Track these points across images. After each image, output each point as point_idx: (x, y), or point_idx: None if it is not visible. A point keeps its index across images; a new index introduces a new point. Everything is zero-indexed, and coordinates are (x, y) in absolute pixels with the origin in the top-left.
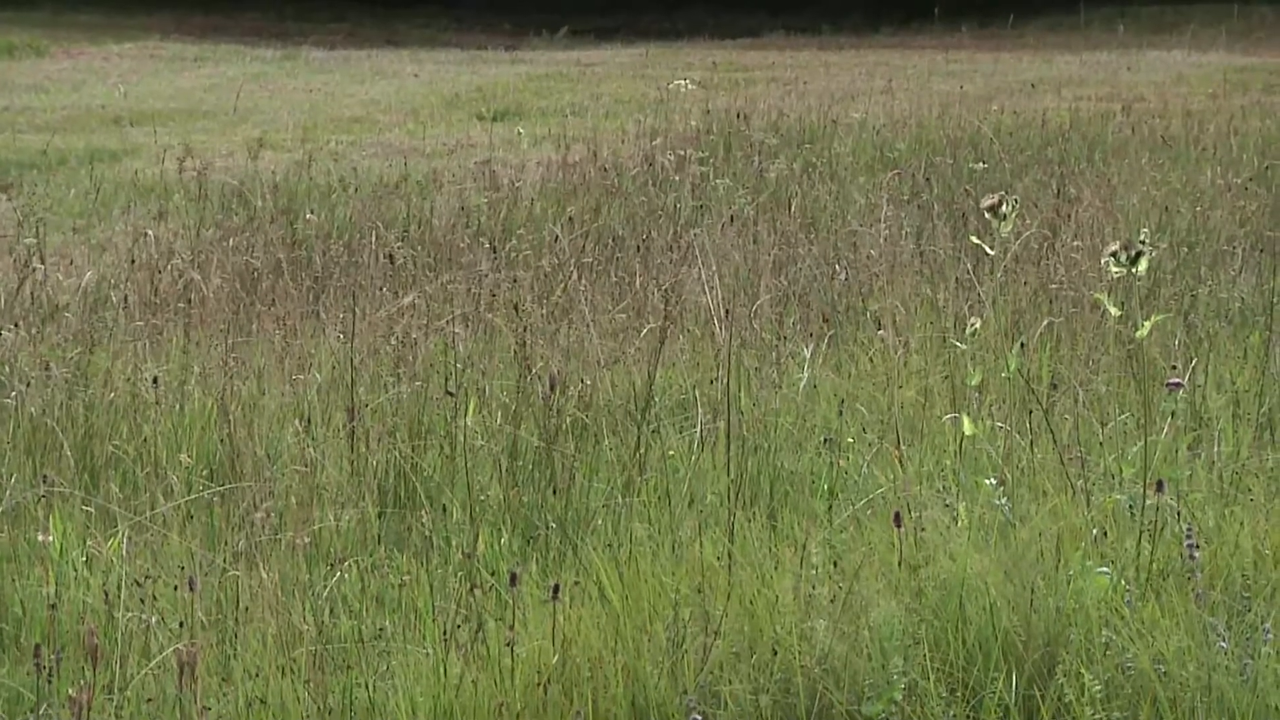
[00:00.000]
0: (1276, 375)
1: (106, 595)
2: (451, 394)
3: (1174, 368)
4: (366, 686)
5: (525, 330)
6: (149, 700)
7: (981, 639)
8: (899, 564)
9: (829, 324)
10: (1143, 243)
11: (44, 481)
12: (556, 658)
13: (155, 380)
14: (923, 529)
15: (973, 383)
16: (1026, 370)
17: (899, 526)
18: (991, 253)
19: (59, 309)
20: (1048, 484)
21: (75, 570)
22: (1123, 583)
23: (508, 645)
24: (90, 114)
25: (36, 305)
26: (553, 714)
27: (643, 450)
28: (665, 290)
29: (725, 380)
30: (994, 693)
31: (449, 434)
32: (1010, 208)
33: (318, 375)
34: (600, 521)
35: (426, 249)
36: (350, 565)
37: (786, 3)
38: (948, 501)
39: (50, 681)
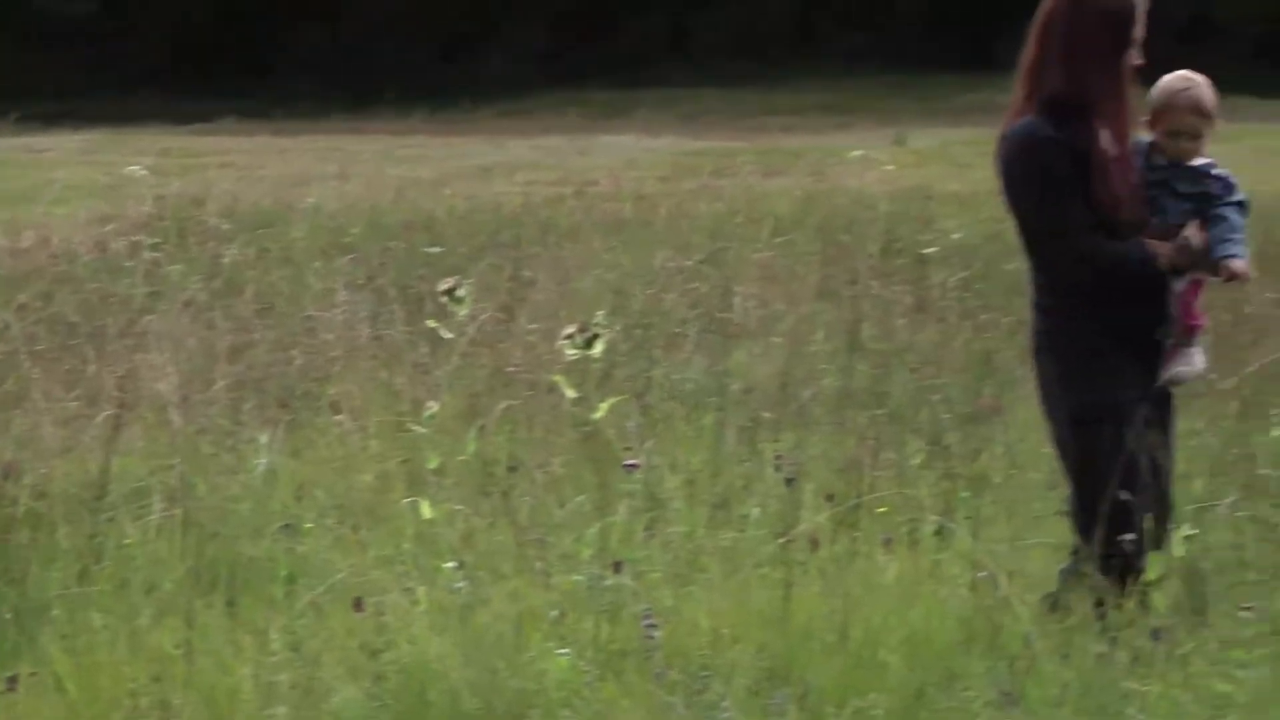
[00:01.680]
0: (729, 456)
1: None
2: None
3: (630, 449)
4: None
5: None
6: None
7: None
8: (360, 649)
9: (287, 409)
10: (598, 325)
11: None
12: None
13: None
14: (383, 613)
15: (431, 466)
16: (485, 453)
17: (359, 611)
18: (448, 336)
19: None
20: (507, 566)
21: None
22: (582, 663)
23: None
24: None
25: None
26: None
27: (99, 538)
28: (120, 377)
29: (181, 467)
30: None
31: None
32: (466, 291)
33: None
34: (56, 611)
35: None
36: None
37: (238, 88)
38: (407, 585)
39: None
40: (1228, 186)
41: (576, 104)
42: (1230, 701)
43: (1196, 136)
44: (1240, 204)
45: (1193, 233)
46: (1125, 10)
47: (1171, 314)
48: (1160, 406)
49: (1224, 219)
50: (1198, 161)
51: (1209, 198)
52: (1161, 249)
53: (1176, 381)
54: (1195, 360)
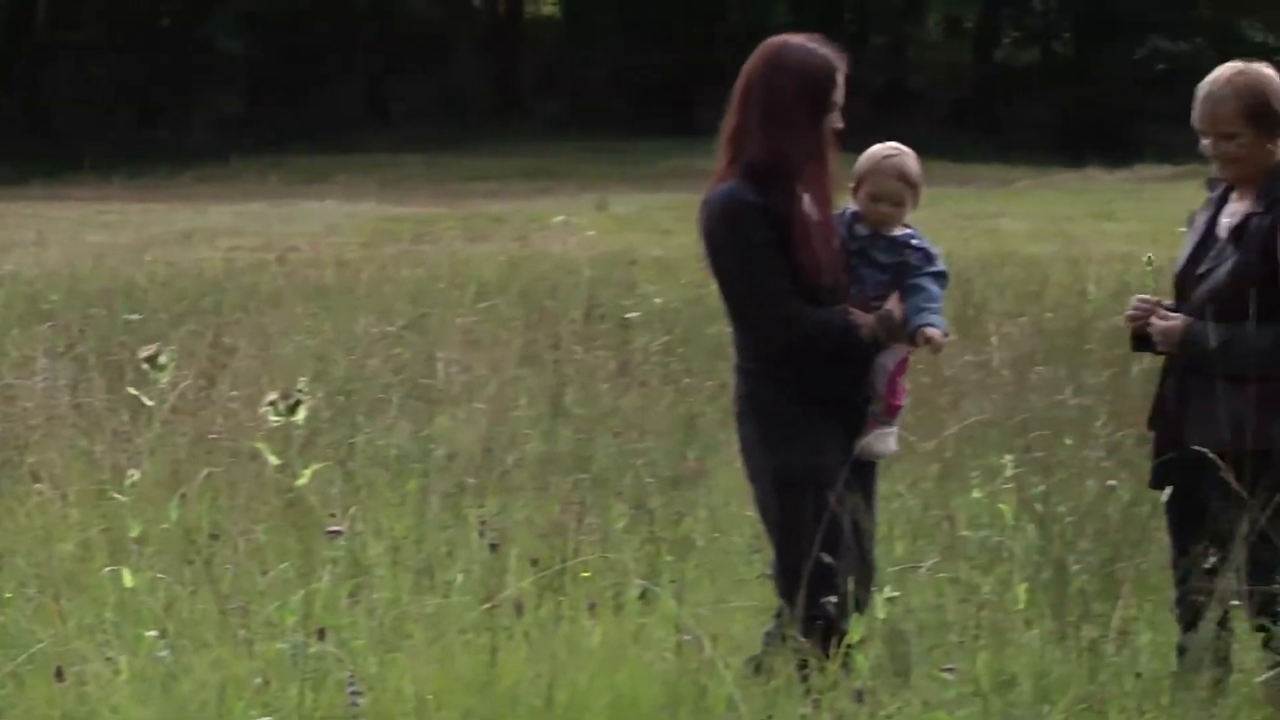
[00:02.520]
0: (433, 521)
1: None
2: None
3: (333, 515)
4: None
5: None
6: None
7: None
8: (61, 719)
9: None
10: (301, 391)
11: None
12: None
13: None
14: (85, 683)
15: (133, 534)
16: (187, 520)
17: (60, 681)
18: (150, 403)
19: None
20: (210, 634)
21: None
22: None
23: None
24: None
25: None
26: None
27: None
28: None
29: None
30: None
31: None
32: (167, 358)
33: None
34: None
35: None
36: None
37: None
38: (109, 654)
39: None
40: (927, 257)
41: (277, 169)
42: None
43: (899, 203)
44: (939, 274)
45: (893, 304)
46: (822, 75)
47: (875, 386)
48: (862, 469)
49: (922, 289)
50: (898, 231)
51: (907, 267)
52: (863, 319)
53: (867, 456)
54: (889, 441)
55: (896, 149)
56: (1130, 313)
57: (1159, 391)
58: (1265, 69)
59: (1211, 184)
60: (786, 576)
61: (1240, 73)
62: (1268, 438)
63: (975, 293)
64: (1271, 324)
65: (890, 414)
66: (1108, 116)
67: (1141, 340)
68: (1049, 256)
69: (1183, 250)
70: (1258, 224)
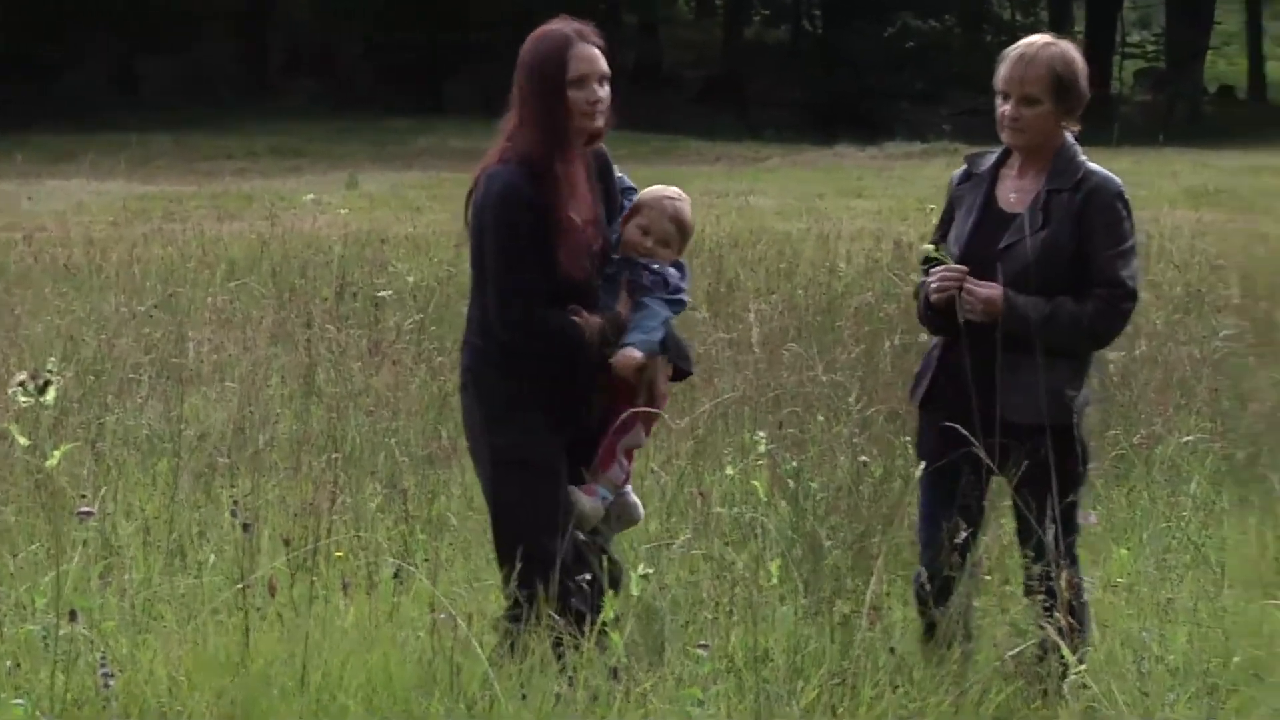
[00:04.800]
0: (185, 502)
1: None
2: None
3: (84, 496)
4: None
5: None
6: None
7: None
8: None
9: None
10: (50, 371)
11: None
12: None
13: None
14: None
15: None
16: None
17: None
18: None
19: None
20: None
21: None
22: (38, 713)
23: None
24: None
25: None
26: None
27: None
28: None
29: None
30: None
31: None
32: None
33: None
34: None
35: None
36: None
37: None
38: None
39: None
40: (667, 284)
41: (23, 148)
42: None
43: (665, 244)
44: (673, 301)
45: (624, 306)
46: (552, 57)
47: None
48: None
49: (645, 307)
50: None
51: (641, 288)
52: (591, 322)
53: (582, 522)
54: (596, 503)
55: (679, 195)
56: (937, 284)
57: (938, 366)
58: (1073, 47)
59: (973, 160)
60: (500, 554)
61: (1053, 44)
62: (1071, 411)
63: (728, 270)
64: (1085, 300)
65: (597, 479)
66: (858, 95)
67: (935, 313)
68: (800, 234)
69: (959, 227)
70: (1067, 202)
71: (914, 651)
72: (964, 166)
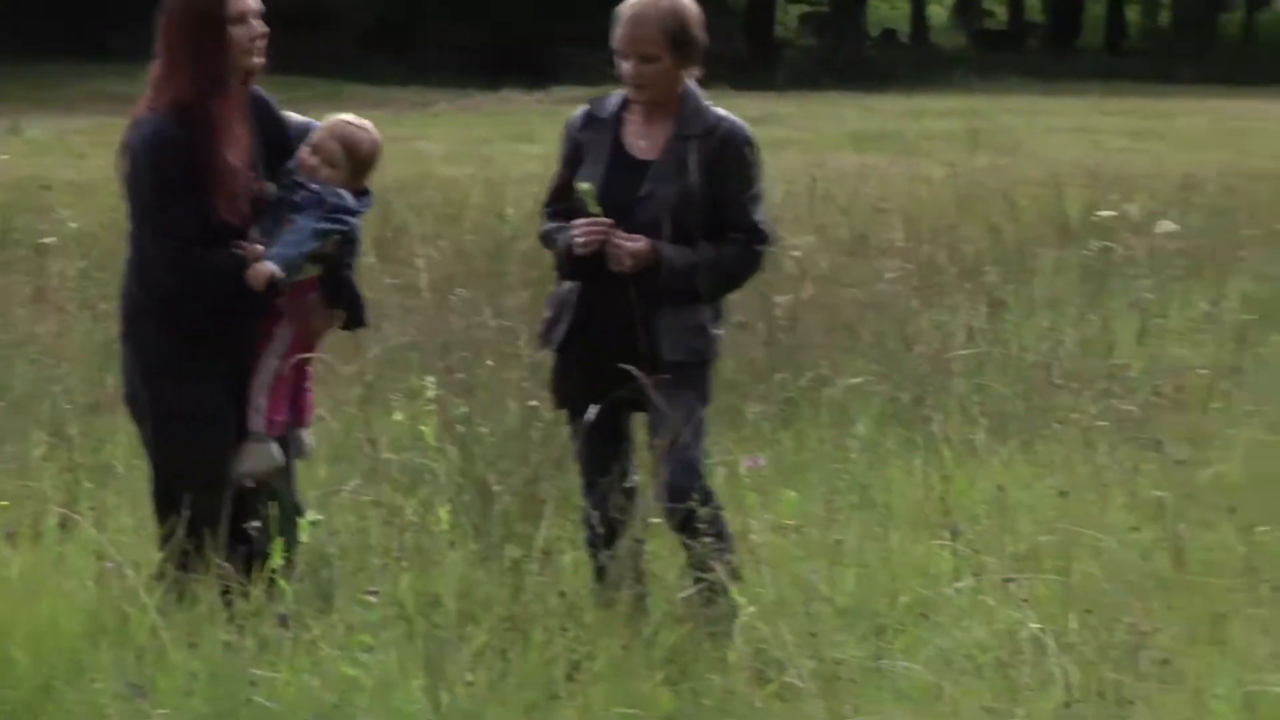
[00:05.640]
0: None
1: None
2: None
3: None
4: None
5: None
6: None
7: None
8: None
9: None
10: None
11: None
12: None
13: None
14: None
15: None
16: None
17: None
18: None
19: None
20: None
21: None
22: None
23: None
24: None
25: None
26: None
27: None
28: None
29: None
30: None
31: None
32: None
33: None
34: None
35: None
36: None
37: None
38: None
39: None
40: (323, 203)
41: None
42: (357, 685)
43: (331, 164)
44: (331, 222)
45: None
46: (208, 8)
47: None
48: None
49: (294, 224)
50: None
51: (296, 206)
52: (259, 270)
53: (248, 476)
54: (269, 453)
55: (358, 121)
56: (583, 238)
57: (580, 309)
58: None
59: (595, 105)
60: (160, 507)
61: None
62: (715, 348)
63: (395, 216)
64: (722, 244)
65: (272, 428)
66: (523, 39)
67: (578, 262)
68: (467, 179)
69: (589, 174)
70: (700, 149)
71: (585, 595)
72: (583, 109)
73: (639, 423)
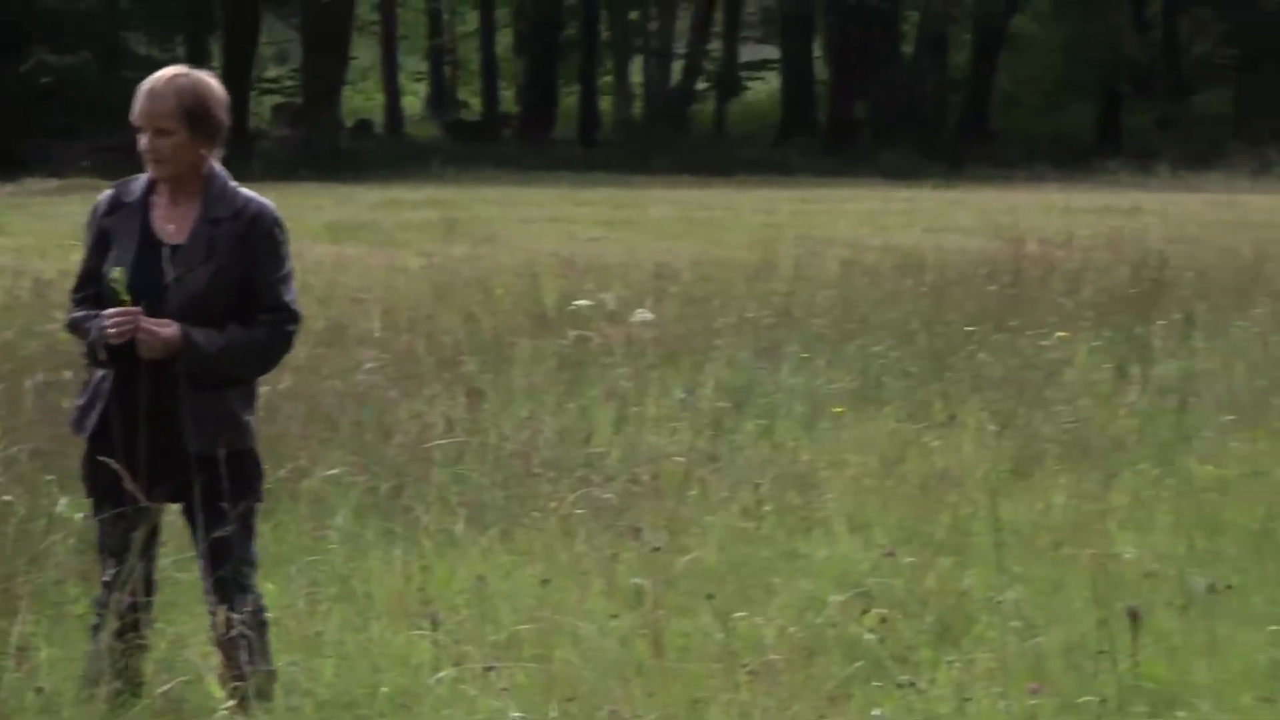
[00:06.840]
0: None
1: None
2: None
3: None
4: None
5: None
6: None
7: None
8: None
9: None
10: None
11: None
12: None
13: None
14: None
15: None
16: None
17: None
18: None
19: None
20: None
21: None
22: None
23: None
24: None
25: None
26: None
27: None
28: None
29: None
30: None
31: None
32: None
33: None
34: None
35: None
36: None
37: None
38: None
39: None
40: None
41: None
42: None
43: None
44: None
45: None
46: None
47: None
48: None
49: None
50: None
51: None
52: None
53: None
54: None
55: None
56: (115, 328)
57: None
58: (207, 76)
59: (121, 189)
60: None
61: (183, 74)
62: (249, 435)
63: None
64: (252, 326)
65: None
66: None
67: (109, 350)
68: None
69: (120, 260)
70: (229, 231)
71: (65, 690)
72: (109, 194)
73: (173, 512)
